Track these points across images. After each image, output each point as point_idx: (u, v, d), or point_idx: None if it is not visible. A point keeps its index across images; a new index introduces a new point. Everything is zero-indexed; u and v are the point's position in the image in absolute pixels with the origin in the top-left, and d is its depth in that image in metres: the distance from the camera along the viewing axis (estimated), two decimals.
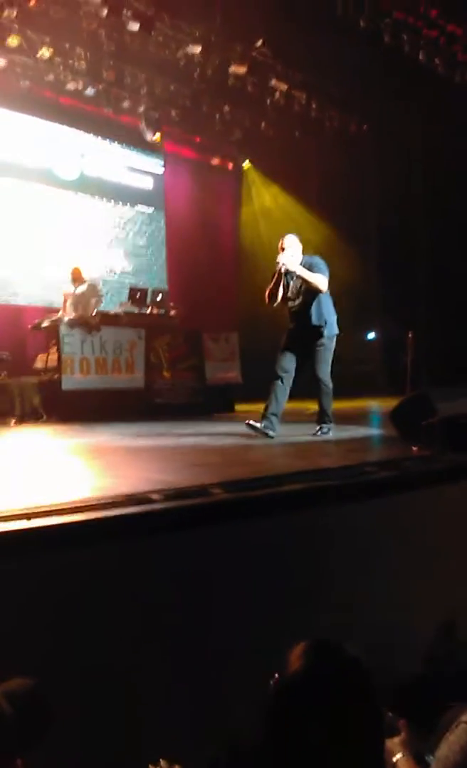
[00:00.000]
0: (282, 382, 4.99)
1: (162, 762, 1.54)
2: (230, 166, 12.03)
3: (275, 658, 1.38)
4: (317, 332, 5.04)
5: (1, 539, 2.05)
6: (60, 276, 9.61)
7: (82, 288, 7.77)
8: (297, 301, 5.11)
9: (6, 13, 7.89)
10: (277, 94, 9.61)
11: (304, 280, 5.00)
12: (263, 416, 4.96)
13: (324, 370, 5.09)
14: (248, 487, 2.95)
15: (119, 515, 2.34)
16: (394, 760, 1.51)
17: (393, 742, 1.56)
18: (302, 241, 5.20)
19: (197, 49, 8.57)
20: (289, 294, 5.12)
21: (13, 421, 6.81)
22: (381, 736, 1.17)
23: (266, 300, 5.17)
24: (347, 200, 10.59)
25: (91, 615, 2.11)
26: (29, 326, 7.99)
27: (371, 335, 11.87)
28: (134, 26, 8.00)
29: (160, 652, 2.18)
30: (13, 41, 8.30)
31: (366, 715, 1.12)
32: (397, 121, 10.09)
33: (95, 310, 7.65)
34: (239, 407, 8.20)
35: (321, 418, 5.14)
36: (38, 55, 8.59)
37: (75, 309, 7.57)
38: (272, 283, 5.12)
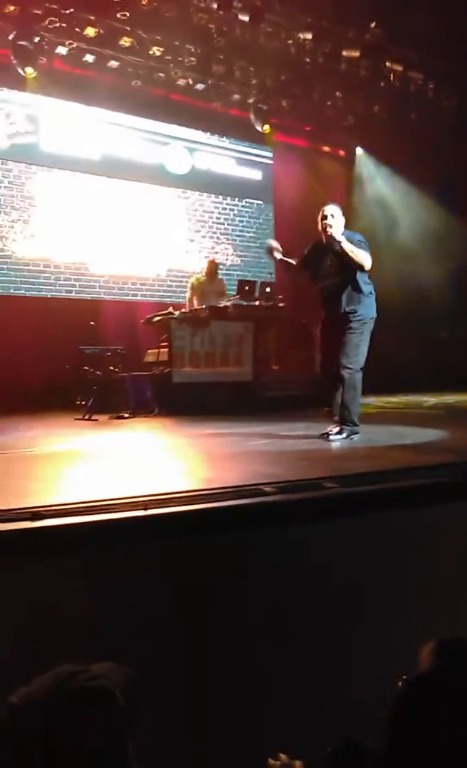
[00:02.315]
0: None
1: (282, 756, 1.50)
2: (342, 153, 11.81)
3: (403, 658, 1.31)
4: (347, 317, 4.59)
5: (121, 527, 2.08)
6: (169, 272, 9.86)
7: (218, 283, 8.05)
8: (330, 282, 4.67)
9: (119, 15, 8.08)
10: (392, 77, 9.32)
11: (347, 257, 4.55)
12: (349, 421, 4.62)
13: (350, 355, 4.52)
14: (363, 482, 2.87)
15: (233, 506, 2.33)
16: None
17: None
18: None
19: (308, 36, 8.44)
20: (320, 274, 4.71)
21: (127, 413, 7.00)
22: None
23: (296, 269, 4.85)
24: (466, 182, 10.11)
25: (205, 604, 2.11)
26: (141, 321, 8.18)
27: None
28: (245, 18, 7.97)
29: (279, 645, 2.15)
30: (125, 42, 8.51)
31: None
32: None
33: (203, 305, 7.76)
34: None
35: (342, 416, 4.54)
36: (149, 54, 8.75)
37: (206, 300, 7.75)
38: (306, 255, 4.81)
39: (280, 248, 4.95)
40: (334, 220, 4.61)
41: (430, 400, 7.65)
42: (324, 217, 4.63)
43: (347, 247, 4.55)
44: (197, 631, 2.08)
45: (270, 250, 4.94)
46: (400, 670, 1.19)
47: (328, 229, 4.58)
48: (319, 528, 2.47)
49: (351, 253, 4.55)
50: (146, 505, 2.19)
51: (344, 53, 8.79)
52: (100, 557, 2.04)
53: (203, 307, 7.68)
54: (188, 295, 8.10)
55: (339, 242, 4.54)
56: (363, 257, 4.58)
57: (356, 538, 2.49)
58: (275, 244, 4.97)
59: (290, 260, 4.95)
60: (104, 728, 1.08)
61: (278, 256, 4.92)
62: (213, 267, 8.18)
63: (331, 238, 4.57)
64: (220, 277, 8.30)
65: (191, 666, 2.04)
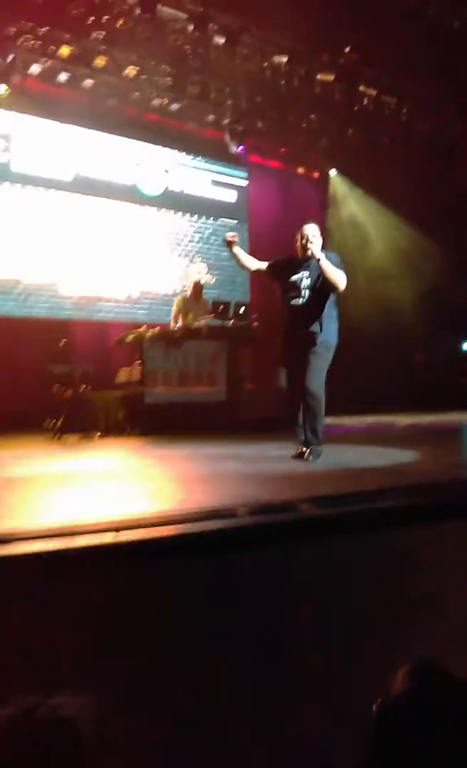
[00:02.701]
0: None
1: None
2: (316, 175, 11.95)
3: (375, 682, 1.27)
4: (311, 338, 4.59)
5: (91, 552, 2.01)
6: (142, 292, 9.81)
7: (203, 303, 8.07)
8: (300, 300, 4.67)
9: (94, 35, 8.10)
10: (365, 100, 9.47)
11: (323, 276, 4.57)
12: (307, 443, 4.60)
13: (314, 379, 4.55)
14: (337, 503, 2.82)
15: (206, 528, 2.27)
16: None
17: None
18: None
19: (283, 60, 8.55)
20: (289, 286, 4.70)
21: (98, 434, 6.90)
22: None
23: (267, 272, 4.87)
24: (440, 205, 10.28)
25: (176, 631, 2.05)
26: (114, 341, 8.11)
27: None
28: (220, 40, 8.05)
29: (253, 668, 2.09)
30: (99, 62, 8.53)
31: None
32: None
33: (177, 325, 7.73)
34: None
35: (308, 438, 4.56)
36: (124, 74, 8.78)
37: (191, 319, 7.77)
38: (277, 262, 4.82)
39: (236, 240, 4.93)
40: (315, 239, 4.63)
41: (404, 420, 7.67)
42: (304, 236, 4.64)
43: (326, 265, 4.56)
44: (169, 657, 2.01)
45: (229, 244, 4.91)
46: (376, 693, 1.16)
47: (309, 245, 4.59)
48: (293, 550, 2.42)
49: (328, 272, 4.56)
50: (117, 528, 2.12)
51: (319, 77, 8.92)
52: (68, 583, 1.96)
53: (177, 327, 7.65)
54: (173, 313, 8.06)
55: (318, 259, 4.55)
56: (339, 277, 4.59)
57: (330, 560, 2.44)
58: (234, 238, 4.94)
59: (255, 262, 4.94)
60: (68, 759, 1.08)
61: (235, 249, 4.88)
62: (199, 288, 8.21)
63: (311, 256, 4.58)
64: (205, 298, 8.30)
65: (165, 694, 1.96)
